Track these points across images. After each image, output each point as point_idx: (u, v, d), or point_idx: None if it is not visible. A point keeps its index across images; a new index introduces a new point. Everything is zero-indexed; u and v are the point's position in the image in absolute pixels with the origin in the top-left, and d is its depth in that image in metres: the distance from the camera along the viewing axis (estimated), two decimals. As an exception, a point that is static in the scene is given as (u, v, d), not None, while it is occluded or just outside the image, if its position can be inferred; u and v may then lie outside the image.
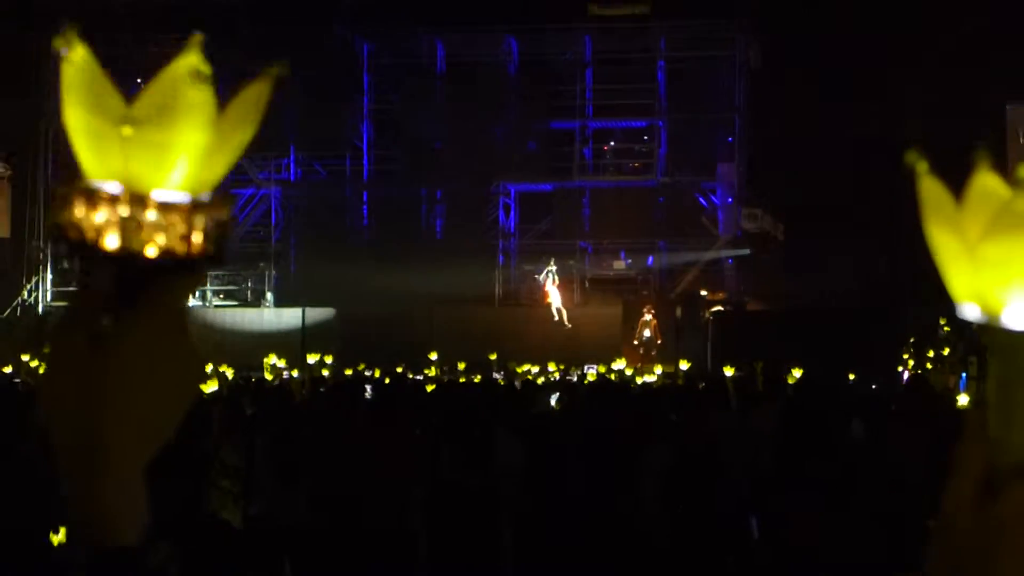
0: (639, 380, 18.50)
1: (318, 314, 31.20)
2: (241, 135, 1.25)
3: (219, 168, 1.22)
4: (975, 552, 1.12)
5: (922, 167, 1.13)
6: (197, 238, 1.17)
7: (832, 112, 30.68)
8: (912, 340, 24.70)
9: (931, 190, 1.13)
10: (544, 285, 32.33)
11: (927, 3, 29.94)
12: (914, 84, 30.21)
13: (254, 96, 1.27)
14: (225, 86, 1.25)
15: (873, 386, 17.75)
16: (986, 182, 1.10)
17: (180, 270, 1.16)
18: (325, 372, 18.57)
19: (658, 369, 22.57)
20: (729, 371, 15.01)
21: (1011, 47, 28.38)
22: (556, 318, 31.40)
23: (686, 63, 34.24)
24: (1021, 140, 30.15)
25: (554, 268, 32.27)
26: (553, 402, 9.58)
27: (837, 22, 30.94)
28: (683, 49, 34.15)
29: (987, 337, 1.12)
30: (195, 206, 1.18)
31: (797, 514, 7.42)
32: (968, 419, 1.18)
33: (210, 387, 11.68)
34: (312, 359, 18.53)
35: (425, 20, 34.34)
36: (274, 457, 8.80)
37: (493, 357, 22.76)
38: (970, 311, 1.12)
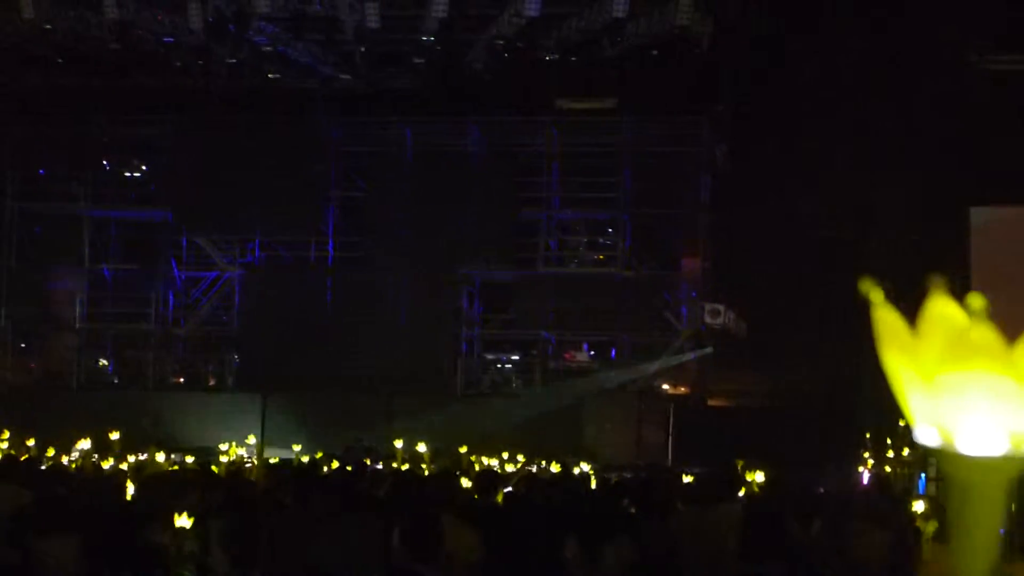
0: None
1: (280, 399, 31.09)
2: None
3: None
4: None
5: (877, 297, 1.14)
6: None
7: (797, 211, 30.89)
8: (870, 437, 24.78)
9: (886, 319, 1.14)
10: None
11: (892, 107, 30.27)
12: (879, 185, 30.45)
13: None
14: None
15: (833, 486, 17.76)
16: (941, 309, 1.11)
17: None
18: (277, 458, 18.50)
19: None
20: (688, 478, 15.02)
21: (974, 149, 28.69)
22: None
23: (652, 158, 34.43)
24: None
25: None
26: (505, 500, 9.50)
27: (803, 121, 31.24)
28: (649, 144, 34.37)
29: (944, 462, 1.13)
30: None
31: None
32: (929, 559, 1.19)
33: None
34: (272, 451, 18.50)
35: (395, 110, 34.59)
36: (231, 544, 8.72)
37: (463, 450, 22.62)
38: (927, 436, 1.12)
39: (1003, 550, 1.15)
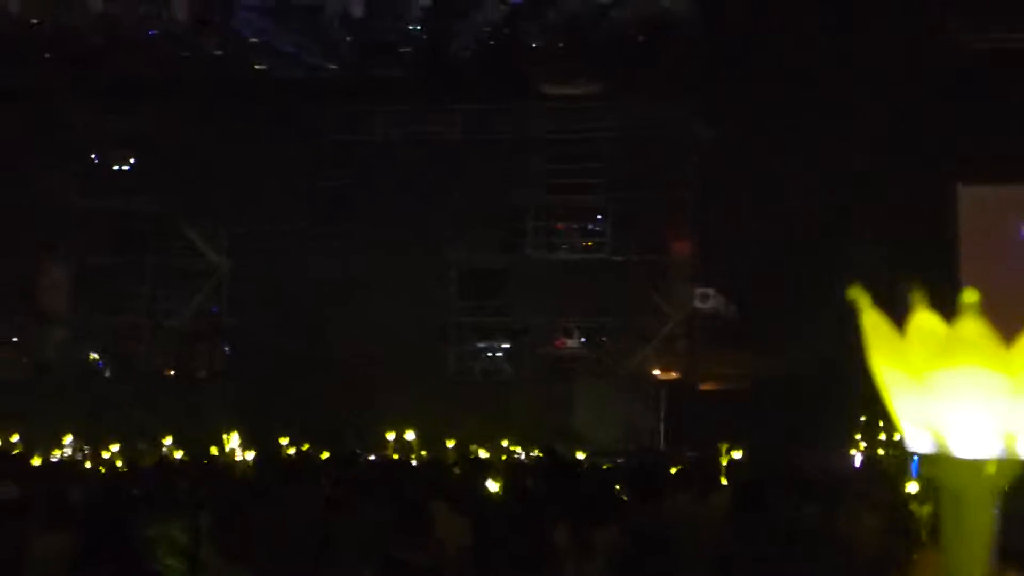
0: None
1: (270, 389, 31.08)
2: None
3: None
4: None
5: (864, 302, 1.11)
6: None
7: (785, 193, 30.85)
8: (863, 420, 24.79)
9: (874, 324, 1.11)
10: None
11: (878, 85, 30.23)
12: (866, 164, 30.44)
13: None
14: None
15: (825, 469, 17.76)
16: (924, 319, 1.08)
17: None
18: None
19: None
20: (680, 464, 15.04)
21: (963, 127, 28.67)
22: None
23: (638, 142, 34.35)
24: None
25: None
26: (494, 488, 9.52)
27: (788, 102, 31.19)
28: (635, 129, 34.30)
29: (935, 467, 1.09)
30: None
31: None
32: (916, 560, 1.16)
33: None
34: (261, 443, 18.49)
35: (382, 98, 34.52)
36: (221, 536, 8.70)
37: (451, 444, 22.62)
38: (917, 440, 1.09)
39: (994, 556, 1.12)
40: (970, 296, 1.06)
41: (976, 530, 1.10)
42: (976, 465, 1.08)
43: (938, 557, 1.13)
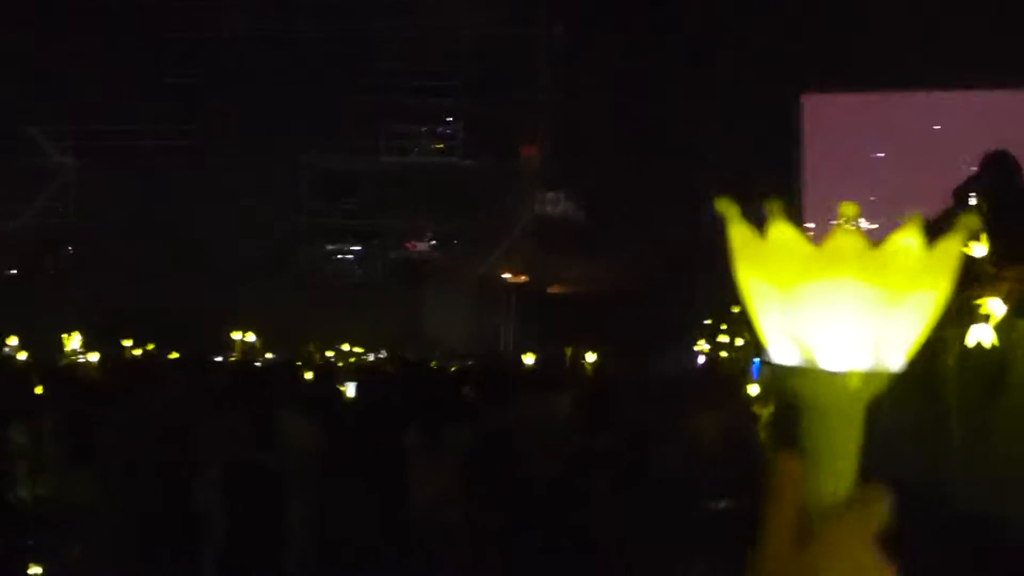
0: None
1: (116, 292, 30.65)
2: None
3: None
4: None
5: (732, 213, 1.10)
6: None
7: (635, 98, 30.98)
8: (707, 323, 25.18)
9: (741, 236, 1.10)
10: None
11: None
12: (713, 68, 30.62)
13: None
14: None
15: (667, 369, 18.07)
16: (783, 231, 1.07)
17: None
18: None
19: None
20: (530, 356, 15.17)
21: (804, 36, 28.93)
22: None
23: (494, 43, 34.18)
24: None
25: None
26: (351, 392, 9.56)
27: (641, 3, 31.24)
28: (489, 28, 34.10)
29: (801, 381, 1.08)
30: None
31: (593, 495, 7.52)
32: (778, 468, 1.15)
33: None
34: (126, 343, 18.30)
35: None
36: (64, 437, 8.64)
37: (311, 348, 22.54)
38: (783, 353, 1.08)
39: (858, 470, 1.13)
40: (848, 209, 1.06)
41: (843, 443, 1.10)
42: (843, 377, 1.09)
43: (799, 465, 1.13)
